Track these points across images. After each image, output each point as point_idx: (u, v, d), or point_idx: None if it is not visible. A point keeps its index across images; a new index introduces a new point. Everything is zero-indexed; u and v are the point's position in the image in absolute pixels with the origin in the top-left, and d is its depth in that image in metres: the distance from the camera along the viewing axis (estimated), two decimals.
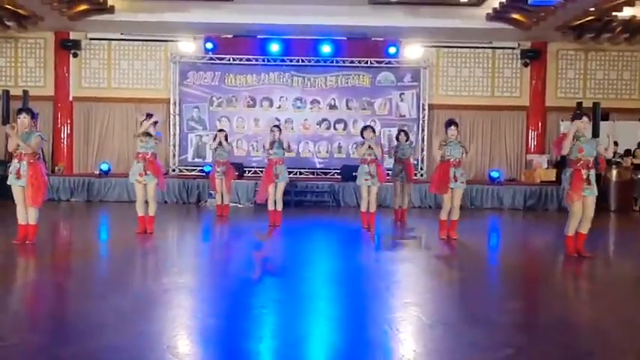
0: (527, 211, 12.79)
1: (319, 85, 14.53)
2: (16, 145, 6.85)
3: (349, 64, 14.41)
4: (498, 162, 14.66)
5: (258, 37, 14.08)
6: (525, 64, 14.57)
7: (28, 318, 4.30)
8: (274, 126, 9.60)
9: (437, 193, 8.47)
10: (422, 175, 14.15)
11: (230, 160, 10.80)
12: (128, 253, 6.97)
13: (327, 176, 14.15)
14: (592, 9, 11.51)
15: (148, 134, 7.96)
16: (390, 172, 10.52)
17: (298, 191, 12.78)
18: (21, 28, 13.36)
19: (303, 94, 14.55)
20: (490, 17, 12.89)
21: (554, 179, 13.00)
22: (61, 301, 4.90)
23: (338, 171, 13.86)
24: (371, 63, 14.40)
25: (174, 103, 14.44)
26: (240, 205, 12.52)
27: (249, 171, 14.10)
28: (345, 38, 14.13)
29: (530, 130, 14.69)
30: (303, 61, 14.33)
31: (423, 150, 14.33)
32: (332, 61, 14.34)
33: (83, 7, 12.57)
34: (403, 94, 14.54)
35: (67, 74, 14.45)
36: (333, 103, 14.56)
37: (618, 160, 12.66)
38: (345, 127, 14.55)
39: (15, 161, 6.93)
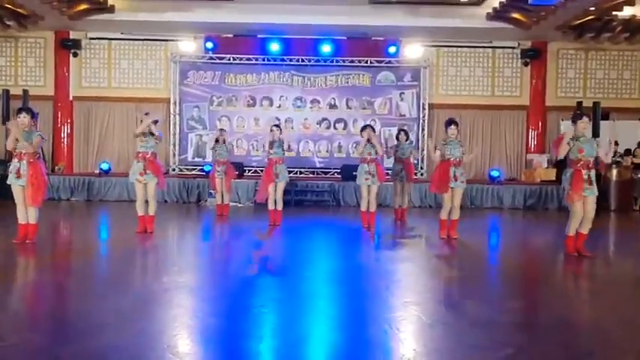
0: (527, 210, 12.80)
1: (319, 84, 14.54)
2: (15, 141, 6.81)
3: (349, 64, 14.42)
4: (498, 161, 14.67)
5: (259, 36, 14.09)
6: (525, 64, 14.57)
7: (28, 317, 4.29)
8: (274, 125, 9.60)
9: (437, 192, 8.47)
10: (422, 175, 14.16)
11: (230, 160, 10.81)
12: (128, 253, 6.97)
13: (327, 176, 14.16)
14: (592, 8, 11.51)
15: (150, 133, 7.97)
16: (389, 171, 10.52)
17: (298, 190, 12.79)
18: (21, 27, 13.36)
19: (303, 93, 14.56)
20: (490, 17, 12.89)
21: (554, 179, 13.01)
22: (62, 301, 4.89)
23: (338, 170, 13.86)
24: (371, 62, 14.40)
25: (175, 103, 14.45)
26: (240, 205, 12.53)
27: (249, 170, 14.11)
28: (345, 38, 14.14)
29: (530, 130, 14.70)
30: (303, 60, 14.34)
31: (423, 149, 14.33)
32: (332, 61, 14.34)
33: (83, 6, 12.58)
34: (403, 93, 14.55)
35: (67, 74, 14.46)
36: (333, 103, 14.57)
37: (618, 159, 12.66)
38: (345, 127, 14.56)
39: (15, 160, 6.92)
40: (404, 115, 14.54)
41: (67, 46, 14.23)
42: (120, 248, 7.36)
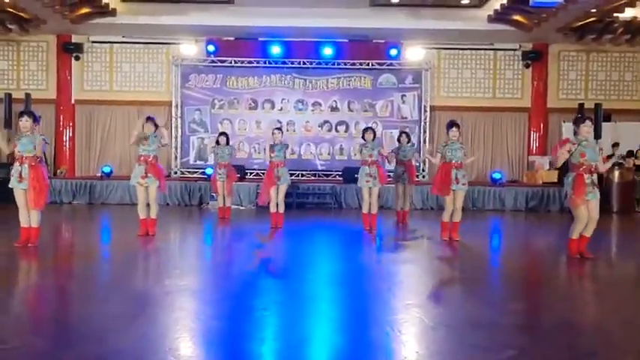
0: (529, 212, 12.78)
1: (321, 87, 14.55)
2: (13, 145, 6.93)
3: (351, 66, 14.43)
4: (500, 163, 14.67)
5: (260, 39, 14.12)
6: (527, 66, 14.58)
7: (30, 321, 4.29)
8: (276, 128, 9.62)
9: (439, 194, 8.46)
10: (424, 177, 14.16)
11: (232, 163, 10.81)
12: (130, 256, 6.97)
13: (329, 178, 14.16)
14: (593, 10, 11.52)
15: (154, 136, 7.97)
16: (391, 173, 10.52)
17: (300, 193, 12.78)
18: (23, 31, 13.40)
19: (304, 96, 14.57)
20: (491, 19, 12.91)
21: (555, 180, 12.99)
22: (64, 304, 4.90)
23: (339, 173, 13.87)
24: (372, 65, 14.42)
25: (176, 106, 14.47)
26: (241, 208, 12.53)
27: (251, 173, 14.12)
28: (346, 40, 14.16)
29: (531, 132, 14.70)
30: (304, 63, 14.35)
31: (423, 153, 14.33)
32: (333, 63, 14.35)
33: (85, 10, 12.62)
34: (405, 95, 14.56)
35: (69, 77, 14.50)
36: (334, 105, 14.58)
37: (620, 161, 12.64)
38: (347, 129, 14.57)
39: (17, 164, 6.94)
40: (405, 118, 14.55)
41: (69, 50, 14.28)
42: (122, 251, 7.36)
